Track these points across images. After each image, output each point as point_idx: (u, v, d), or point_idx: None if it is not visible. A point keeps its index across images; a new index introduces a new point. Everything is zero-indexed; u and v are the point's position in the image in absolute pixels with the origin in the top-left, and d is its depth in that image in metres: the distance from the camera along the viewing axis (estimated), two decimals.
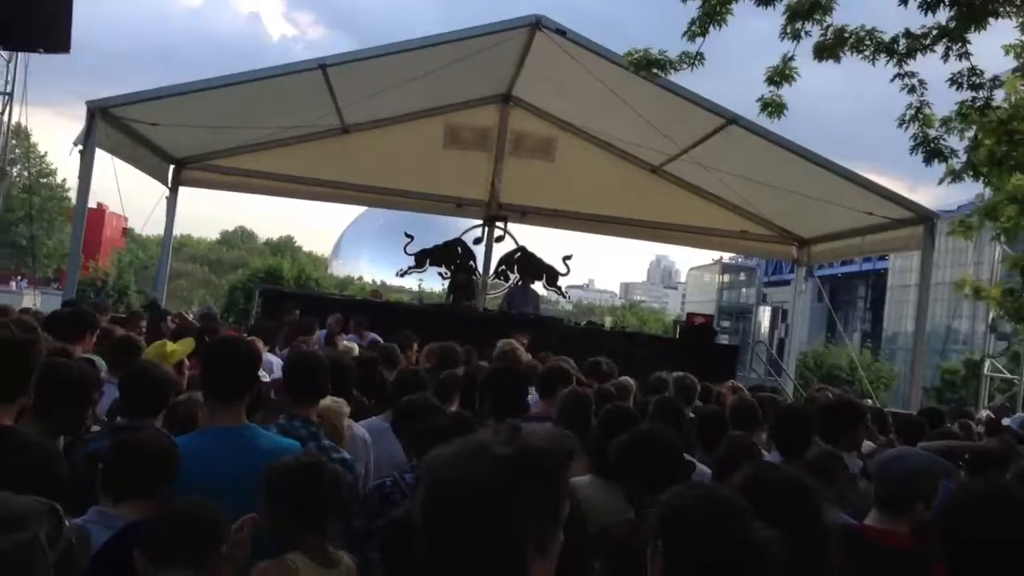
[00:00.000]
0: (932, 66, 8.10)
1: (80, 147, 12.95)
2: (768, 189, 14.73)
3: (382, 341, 11.48)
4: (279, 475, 3.25)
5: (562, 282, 16.97)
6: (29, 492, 3.13)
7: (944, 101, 8.36)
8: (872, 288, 55.83)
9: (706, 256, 66.13)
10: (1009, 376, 22.22)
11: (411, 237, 16.23)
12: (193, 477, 3.40)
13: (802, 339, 34.85)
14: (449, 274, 16.14)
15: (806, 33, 7.99)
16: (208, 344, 4.36)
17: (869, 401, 13.82)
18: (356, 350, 9.56)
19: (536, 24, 13.51)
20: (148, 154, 15.30)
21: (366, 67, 13.87)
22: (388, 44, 13.79)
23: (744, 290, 71.75)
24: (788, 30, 8.03)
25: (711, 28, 8.09)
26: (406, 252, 16.28)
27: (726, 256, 59.34)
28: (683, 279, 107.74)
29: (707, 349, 15.08)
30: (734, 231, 17.75)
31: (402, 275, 17.01)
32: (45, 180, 55.02)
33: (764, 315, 53.73)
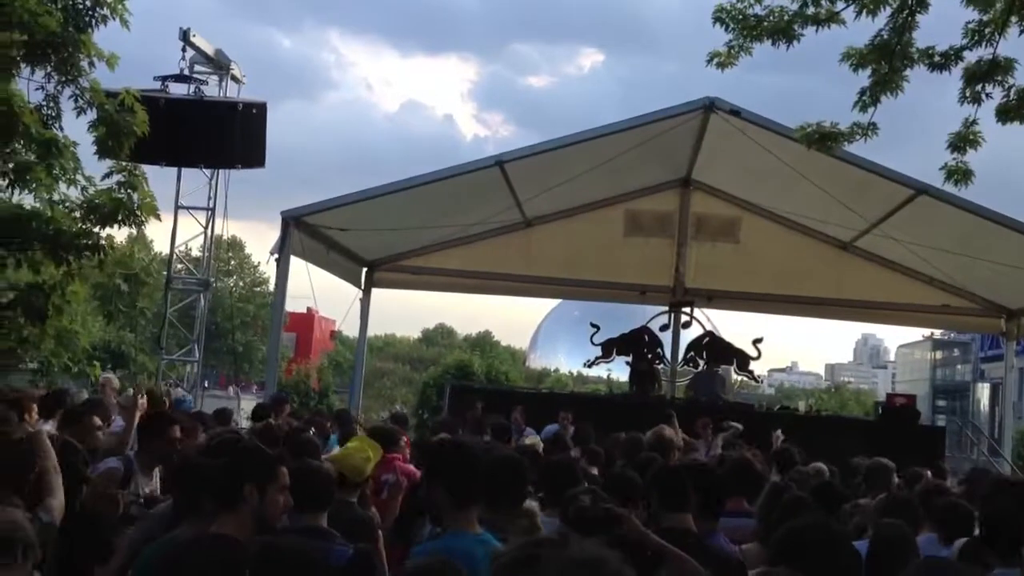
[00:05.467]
0: None
1: (276, 256, 13.59)
2: (968, 260, 13.95)
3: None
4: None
5: (759, 366, 16.58)
6: None
7: None
8: None
9: (915, 333, 62.90)
10: None
11: (597, 327, 16.22)
12: None
13: None
14: (633, 362, 15.97)
15: (987, 95, 7.57)
16: (440, 448, 4.55)
17: None
18: (540, 445, 9.45)
19: (710, 106, 13.40)
20: (341, 258, 15.85)
21: (543, 160, 14.04)
22: (561, 137, 13.98)
23: (959, 367, 67.76)
24: (968, 93, 7.64)
25: (884, 96, 7.80)
26: (592, 342, 16.27)
27: (937, 332, 56.27)
28: (892, 357, 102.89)
29: (910, 431, 14.29)
30: (936, 306, 16.82)
31: (589, 366, 17.00)
32: (259, 289, 58.42)
33: (983, 392, 50.39)
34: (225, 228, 17.91)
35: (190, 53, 15.67)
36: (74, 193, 10.19)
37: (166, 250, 38.73)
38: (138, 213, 10.07)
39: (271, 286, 53.96)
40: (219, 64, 16.16)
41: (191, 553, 3.72)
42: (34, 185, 9.58)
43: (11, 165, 9.50)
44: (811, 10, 7.51)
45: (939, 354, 70.89)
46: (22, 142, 9.40)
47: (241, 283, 58.44)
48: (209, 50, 15.87)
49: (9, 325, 10.07)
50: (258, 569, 3.30)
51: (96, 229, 10.01)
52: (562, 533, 3.75)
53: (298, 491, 4.28)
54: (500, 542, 4.14)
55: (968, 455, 22.58)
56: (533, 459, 6.47)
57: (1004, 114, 7.55)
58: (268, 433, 7.65)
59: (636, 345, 16.16)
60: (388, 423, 11.17)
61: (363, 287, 17.48)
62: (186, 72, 15.66)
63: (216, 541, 3.71)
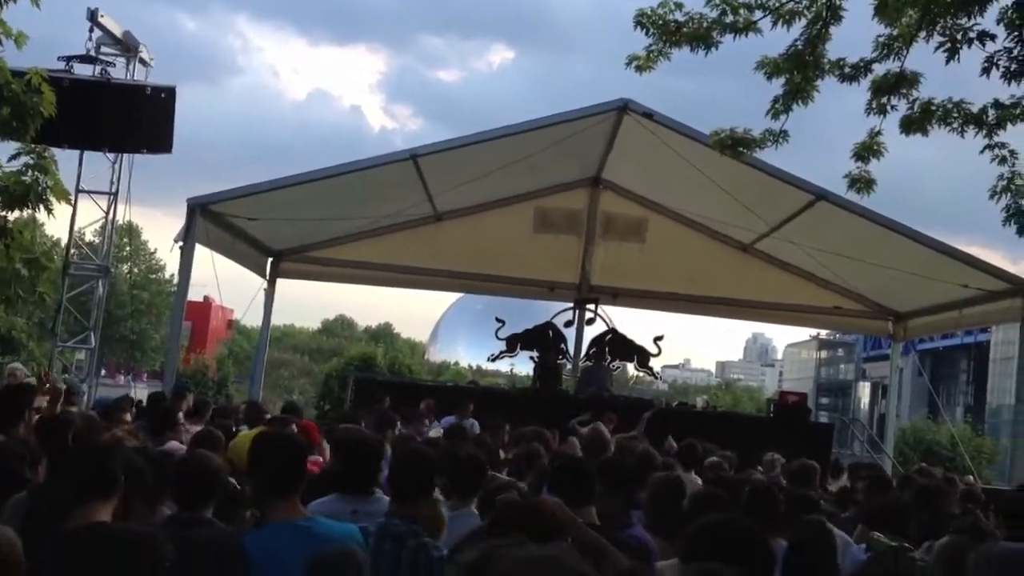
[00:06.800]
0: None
1: (180, 244, 13.34)
2: (861, 264, 14.51)
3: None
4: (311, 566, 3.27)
5: (656, 362, 16.93)
6: None
7: None
8: (974, 361, 54.03)
9: (803, 333, 64.88)
10: None
11: (502, 322, 16.34)
12: (262, 574, 3.50)
13: (904, 415, 33.73)
14: (537, 357, 16.15)
15: (892, 107, 7.89)
16: (256, 440, 4.36)
17: (971, 478, 13.30)
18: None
19: (623, 107, 13.63)
20: (247, 248, 15.66)
21: (456, 155, 14.09)
22: (476, 133, 14.08)
23: (843, 366, 70.27)
24: (874, 104, 7.94)
25: (796, 105, 8.05)
26: (497, 337, 16.39)
27: (823, 332, 58.18)
28: (780, 356, 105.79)
29: (802, 428, 14.88)
30: (827, 308, 17.45)
31: (493, 360, 17.16)
32: (154, 276, 57.03)
33: (864, 391, 52.25)
34: (127, 213, 17.48)
35: (97, 34, 15.22)
36: None
37: (57, 234, 37.63)
38: (47, 197, 9.79)
39: (167, 273, 52.71)
40: (127, 46, 15.74)
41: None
42: None
43: None
44: (730, 18, 7.69)
45: (824, 353, 73.34)
46: None
47: (136, 270, 56.97)
48: (117, 31, 15.44)
49: None
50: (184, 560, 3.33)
51: (3, 213, 9.71)
52: (516, 537, 3.82)
53: (187, 484, 4.23)
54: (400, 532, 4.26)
55: (850, 450, 23.50)
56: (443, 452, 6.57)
57: (907, 126, 7.86)
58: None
59: (540, 340, 16.35)
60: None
61: (268, 277, 17.30)
62: (92, 53, 15.22)
63: (141, 531, 3.62)
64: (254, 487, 4.15)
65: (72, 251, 18.16)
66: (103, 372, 36.62)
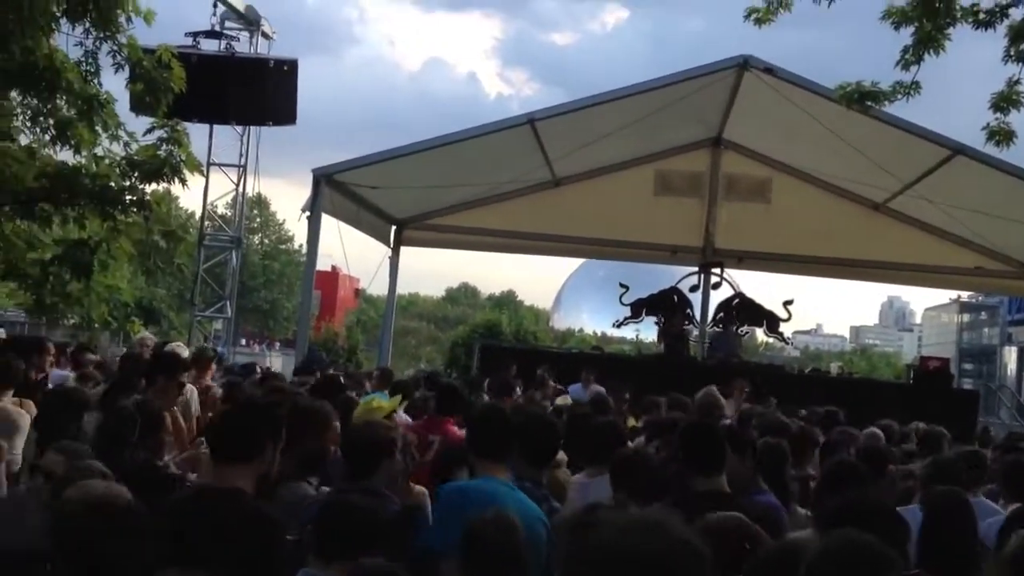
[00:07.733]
0: None
1: (307, 213, 13.61)
2: (1003, 221, 13.78)
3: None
4: (471, 528, 3.29)
5: (786, 327, 16.54)
6: (248, 559, 3.22)
7: None
8: None
9: (942, 296, 62.36)
10: None
11: (626, 287, 16.18)
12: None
13: None
14: (663, 323, 15.93)
15: None
16: (479, 409, 4.86)
17: None
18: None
19: (744, 64, 13.29)
20: (371, 216, 15.85)
21: (574, 119, 13.98)
22: (594, 95, 13.90)
23: (986, 330, 67.31)
24: (1012, 52, 7.52)
25: (926, 55, 7.70)
26: (622, 302, 16.24)
27: (964, 294, 55.81)
28: (918, 320, 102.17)
29: (944, 395, 14.23)
30: (968, 268, 16.69)
31: (618, 326, 16.98)
32: (284, 246, 58.61)
33: (1010, 356, 49.97)
34: (256, 185, 17.98)
35: (221, 8, 15.67)
36: (117, 149, 10.24)
37: (191, 206, 39.06)
38: (181, 169, 10.13)
39: (296, 244, 54.15)
40: (249, 20, 16.16)
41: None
42: (74, 142, 9.65)
43: (51, 121, 9.58)
44: None
45: (966, 317, 70.40)
46: (65, 98, 9.46)
47: (266, 241, 58.65)
48: (240, 5, 15.86)
49: (54, 281, 10.22)
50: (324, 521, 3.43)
51: (141, 186, 10.10)
52: (619, 499, 3.80)
53: (356, 455, 4.40)
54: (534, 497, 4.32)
55: (997, 418, 22.49)
56: (574, 420, 6.56)
57: None
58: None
59: (666, 305, 16.10)
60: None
61: (392, 245, 17.50)
62: (217, 28, 15.67)
63: (264, 509, 3.64)
64: (466, 448, 4.53)
65: (206, 223, 18.81)
66: (242, 341, 37.85)
